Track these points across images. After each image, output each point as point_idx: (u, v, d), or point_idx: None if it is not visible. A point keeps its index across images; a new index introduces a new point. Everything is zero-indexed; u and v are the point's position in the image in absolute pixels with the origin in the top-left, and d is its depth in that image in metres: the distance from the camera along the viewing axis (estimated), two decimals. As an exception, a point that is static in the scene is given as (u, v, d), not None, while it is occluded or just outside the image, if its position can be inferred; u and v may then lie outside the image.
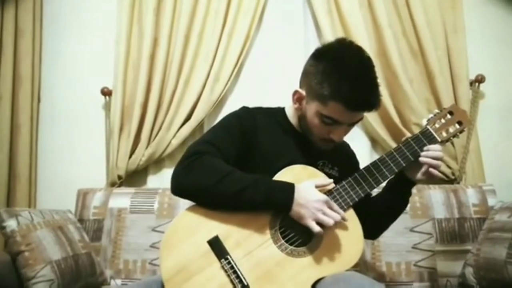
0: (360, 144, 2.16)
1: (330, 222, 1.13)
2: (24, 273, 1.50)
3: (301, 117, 1.32)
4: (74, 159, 2.32)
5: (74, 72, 2.38)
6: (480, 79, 2.18)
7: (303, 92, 1.27)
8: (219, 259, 1.14)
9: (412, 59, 2.19)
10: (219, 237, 1.16)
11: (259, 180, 1.17)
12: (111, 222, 1.95)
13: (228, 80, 2.21)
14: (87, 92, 2.34)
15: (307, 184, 1.18)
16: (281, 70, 2.26)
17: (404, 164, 1.25)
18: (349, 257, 1.18)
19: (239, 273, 1.12)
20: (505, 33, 2.30)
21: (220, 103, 2.26)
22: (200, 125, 2.24)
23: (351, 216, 1.21)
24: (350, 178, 1.24)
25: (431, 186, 1.95)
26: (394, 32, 2.17)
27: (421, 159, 1.24)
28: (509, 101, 2.26)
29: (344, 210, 1.20)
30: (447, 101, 2.08)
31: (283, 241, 1.18)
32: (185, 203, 1.24)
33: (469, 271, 1.73)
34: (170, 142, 2.19)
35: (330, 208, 1.16)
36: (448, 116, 1.31)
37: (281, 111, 1.42)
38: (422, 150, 1.25)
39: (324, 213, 1.14)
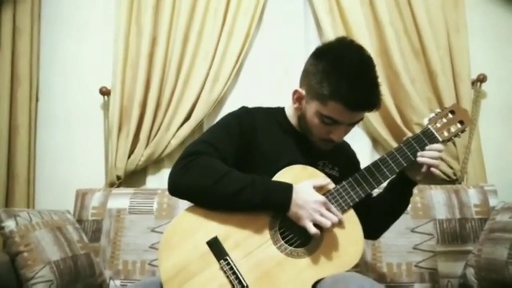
0: (361, 144, 2.15)
1: (327, 223, 1.13)
2: (23, 273, 1.50)
3: (301, 117, 1.31)
4: (72, 159, 2.32)
5: (72, 71, 2.38)
6: (482, 79, 2.17)
7: (303, 92, 1.26)
8: (218, 260, 1.13)
9: (413, 58, 2.18)
10: (218, 238, 1.15)
11: (257, 180, 1.16)
12: (110, 223, 1.94)
13: (228, 79, 2.20)
14: (86, 91, 2.34)
15: (305, 185, 1.17)
16: (281, 69, 2.25)
17: (405, 164, 1.24)
18: (349, 258, 1.18)
19: (238, 274, 1.12)
20: (508, 32, 2.29)
21: (219, 103, 2.25)
22: (200, 125, 2.23)
23: (352, 217, 1.21)
24: (350, 178, 1.23)
25: (432, 186, 1.94)
26: (395, 30, 2.16)
27: (419, 159, 1.23)
28: (510, 100, 2.25)
29: (345, 211, 1.20)
30: (449, 101, 2.07)
31: (282, 241, 1.17)
32: (185, 203, 1.24)
33: (470, 271, 1.72)
34: (169, 142, 2.18)
35: (328, 209, 1.15)
36: (450, 115, 1.30)
37: (280, 111, 1.41)
38: (423, 150, 1.24)
39: (322, 215, 1.14)
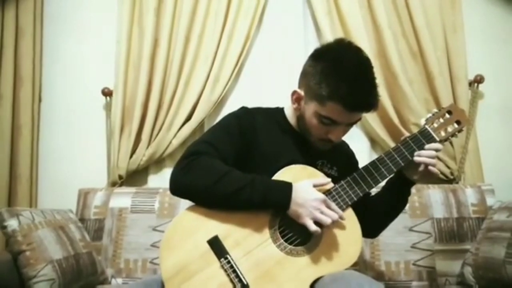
0: (359, 144, 2.17)
1: (328, 221, 1.14)
2: (25, 272, 1.51)
3: (300, 117, 1.32)
4: (75, 159, 2.33)
5: (75, 72, 2.39)
6: (479, 80, 2.19)
7: (302, 92, 1.27)
8: (219, 258, 1.14)
9: (411, 60, 2.20)
10: (218, 236, 1.16)
11: (257, 180, 1.17)
12: (112, 222, 1.95)
13: (228, 80, 2.22)
14: (88, 92, 2.35)
15: (305, 183, 1.18)
16: (281, 70, 2.27)
17: (402, 164, 1.25)
18: (348, 256, 1.19)
19: (238, 272, 1.13)
20: (505, 33, 2.31)
21: (220, 103, 2.26)
22: (201, 125, 2.25)
23: (350, 216, 1.22)
24: (349, 178, 1.24)
25: (430, 185, 1.95)
26: (393, 32, 2.18)
27: (416, 158, 1.24)
28: (508, 101, 2.26)
29: (343, 210, 1.20)
30: (446, 102, 2.08)
31: (282, 240, 1.18)
32: (186, 203, 1.25)
33: (468, 270, 1.73)
34: (170, 142, 2.20)
35: (328, 207, 1.16)
36: (447, 115, 1.31)
37: (280, 111, 1.42)
38: (420, 150, 1.25)
39: (322, 212, 1.15)
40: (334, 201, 1.20)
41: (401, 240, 1.84)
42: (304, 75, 1.28)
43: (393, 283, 1.80)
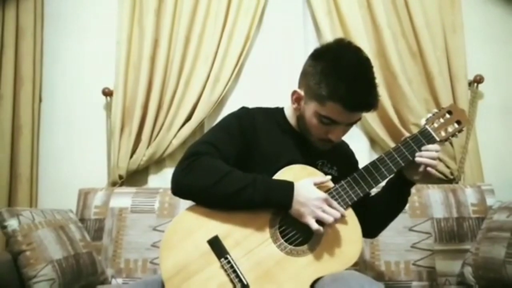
0: (359, 144, 2.17)
1: (330, 219, 1.14)
2: (25, 272, 1.51)
3: (300, 117, 1.32)
4: (75, 159, 2.33)
5: (75, 72, 2.39)
6: (479, 79, 2.19)
7: (302, 92, 1.27)
8: (219, 258, 1.14)
9: (411, 60, 2.20)
10: (218, 236, 1.17)
11: (258, 179, 1.18)
12: (112, 222, 1.96)
13: (228, 80, 2.23)
14: (88, 92, 2.35)
15: (306, 182, 1.18)
16: (281, 70, 2.27)
17: (403, 164, 1.25)
18: (348, 256, 1.19)
19: (238, 272, 1.13)
20: (504, 32, 2.31)
21: (220, 103, 2.27)
22: (201, 125, 2.25)
23: (350, 216, 1.22)
24: (349, 178, 1.24)
25: (430, 185, 1.96)
26: (393, 32, 2.18)
27: (417, 159, 1.24)
28: (507, 101, 2.27)
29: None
30: (446, 102, 2.09)
31: (282, 240, 1.18)
32: (186, 203, 1.25)
33: (468, 270, 1.73)
34: (170, 142, 2.20)
35: (330, 205, 1.16)
36: (447, 115, 1.31)
37: (280, 111, 1.42)
38: (421, 150, 1.25)
39: (324, 211, 1.15)
40: (334, 201, 1.20)
41: (401, 240, 1.84)
42: (304, 75, 1.28)
43: (393, 283, 1.80)
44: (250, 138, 1.30)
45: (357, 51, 1.23)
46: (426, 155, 1.24)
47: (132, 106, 2.22)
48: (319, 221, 1.15)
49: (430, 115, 1.32)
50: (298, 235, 1.20)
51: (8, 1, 2.26)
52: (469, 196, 1.91)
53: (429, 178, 1.29)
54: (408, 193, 1.38)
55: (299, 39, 2.30)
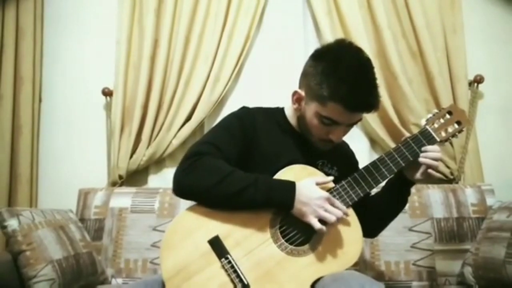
0: (359, 144, 2.17)
1: (332, 218, 1.14)
2: (25, 272, 1.51)
3: (300, 118, 1.32)
4: (75, 159, 2.33)
5: (75, 72, 2.39)
6: (479, 80, 2.19)
7: (302, 93, 1.27)
8: (220, 258, 1.14)
9: (411, 60, 2.20)
10: (219, 236, 1.17)
11: (260, 179, 1.18)
12: (112, 222, 1.96)
13: (228, 80, 2.23)
14: (88, 92, 2.36)
15: (307, 182, 1.19)
16: (281, 70, 2.27)
17: (403, 164, 1.25)
18: (348, 256, 1.19)
19: (239, 272, 1.13)
20: (504, 32, 2.31)
21: (220, 103, 2.27)
22: (201, 125, 2.25)
23: (351, 216, 1.22)
24: (349, 178, 1.24)
25: (429, 185, 1.96)
26: (393, 33, 2.18)
27: (420, 159, 1.24)
28: (507, 101, 2.27)
29: None
30: (446, 102, 2.09)
31: (283, 240, 1.19)
32: (186, 203, 1.25)
33: (468, 270, 1.73)
34: (170, 142, 2.21)
35: (332, 204, 1.17)
36: (447, 116, 1.31)
37: (280, 111, 1.42)
38: (421, 150, 1.25)
39: (326, 210, 1.15)
40: None
41: (401, 240, 1.84)
42: (305, 75, 1.28)
43: (393, 283, 1.80)
44: (250, 138, 1.30)
45: (358, 51, 1.23)
46: (429, 156, 1.24)
47: (132, 106, 2.22)
48: (322, 221, 1.15)
49: (430, 115, 1.32)
50: (299, 235, 1.20)
51: (8, 1, 2.26)
52: (469, 196, 1.91)
53: (429, 179, 1.29)
54: (408, 193, 1.38)
55: (299, 39, 2.30)
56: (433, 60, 2.14)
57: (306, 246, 1.19)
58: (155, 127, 2.21)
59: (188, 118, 2.22)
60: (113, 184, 2.20)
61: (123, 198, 2.00)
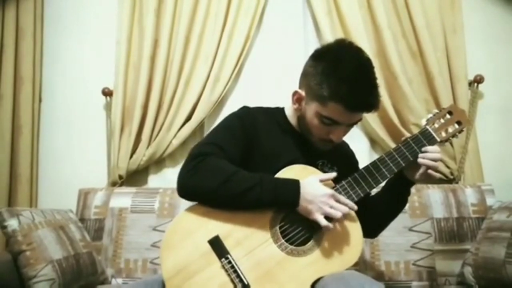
0: (359, 144, 2.17)
1: (338, 214, 1.14)
2: (25, 272, 1.51)
3: (301, 118, 1.32)
4: (75, 159, 2.33)
5: (75, 72, 2.39)
6: (479, 80, 2.19)
7: (303, 93, 1.27)
8: (220, 258, 1.14)
9: (411, 60, 2.20)
10: (219, 236, 1.17)
11: (265, 179, 1.18)
12: (112, 222, 1.96)
13: (228, 80, 2.23)
14: (88, 92, 2.36)
15: (311, 179, 1.19)
16: (281, 70, 2.27)
17: (403, 164, 1.25)
18: (348, 256, 1.19)
19: (239, 272, 1.13)
20: (504, 33, 2.31)
21: (220, 103, 2.27)
22: (201, 125, 2.26)
23: (351, 216, 1.22)
24: (349, 178, 1.24)
25: (429, 185, 1.96)
26: (393, 33, 2.18)
27: (419, 160, 1.24)
28: (507, 101, 2.27)
29: None
30: (446, 102, 2.09)
31: (283, 240, 1.19)
32: (186, 203, 1.24)
33: (468, 270, 1.73)
34: (170, 142, 2.21)
35: (337, 200, 1.17)
36: (447, 116, 1.31)
37: (280, 111, 1.42)
38: (421, 151, 1.25)
39: (331, 207, 1.15)
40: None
41: (401, 240, 1.84)
42: (305, 75, 1.28)
43: (393, 283, 1.80)
44: (251, 138, 1.30)
45: (358, 51, 1.23)
46: (428, 156, 1.24)
47: (132, 106, 2.22)
48: (328, 217, 1.15)
49: (430, 115, 1.32)
50: (299, 235, 1.20)
51: (8, 1, 2.26)
52: (469, 196, 1.91)
53: (429, 179, 1.29)
54: (408, 193, 1.38)
55: (299, 39, 2.31)
56: (433, 60, 2.14)
57: (307, 246, 1.19)
58: (155, 127, 2.21)
59: (188, 118, 2.22)
60: (113, 184, 2.20)
61: (123, 198, 2.00)
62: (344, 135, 1.30)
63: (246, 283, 1.12)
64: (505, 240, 1.57)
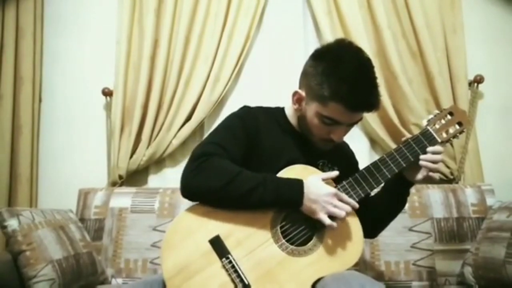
0: (359, 144, 2.17)
1: (342, 213, 1.14)
2: (25, 272, 1.51)
3: (301, 118, 1.32)
4: (75, 159, 2.33)
5: (75, 72, 2.39)
6: (479, 80, 2.19)
7: (303, 93, 1.27)
8: (220, 258, 1.14)
9: (411, 60, 2.20)
10: (220, 236, 1.17)
11: (268, 179, 1.18)
12: (112, 222, 1.96)
13: (228, 80, 2.23)
14: (88, 92, 2.36)
15: (314, 179, 1.19)
16: (281, 70, 2.27)
17: (404, 165, 1.25)
18: (349, 256, 1.19)
19: (240, 272, 1.13)
20: (504, 33, 2.31)
21: (220, 103, 2.27)
22: (201, 125, 2.25)
23: (351, 216, 1.22)
24: (350, 178, 1.24)
25: (429, 185, 1.96)
26: (393, 33, 2.18)
27: (421, 162, 1.24)
28: (507, 101, 2.27)
29: None
30: (446, 102, 2.09)
31: (283, 240, 1.19)
32: (186, 202, 1.25)
33: (468, 270, 1.73)
34: (170, 142, 2.21)
35: (341, 199, 1.17)
36: (448, 117, 1.31)
37: (280, 111, 1.42)
38: (422, 151, 1.25)
39: (335, 206, 1.15)
40: None
41: (401, 240, 1.84)
42: (305, 75, 1.28)
43: (393, 283, 1.80)
44: (252, 138, 1.30)
45: (358, 51, 1.23)
46: (429, 158, 1.24)
47: (132, 106, 2.22)
48: (331, 216, 1.15)
49: (431, 116, 1.32)
50: (300, 235, 1.20)
51: (8, 1, 2.26)
52: (469, 196, 1.91)
53: (430, 181, 1.29)
54: (407, 194, 1.38)
55: (299, 39, 2.31)
56: (433, 60, 2.14)
57: (307, 246, 1.19)
58: (155, 127, 2.21)
59: (188, 118, 2.22)
60: (113, 184, 2.20)
61: (123, 198, 2.00)
62: (344, 134, 1.30)
63: (246, 283, 1.12)
64: (505, 240, 1.57)
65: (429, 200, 1.90)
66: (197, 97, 2.20)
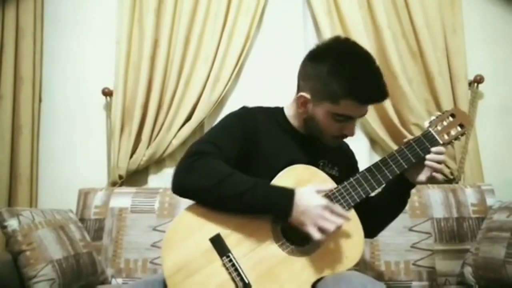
0: (359, 145, 2.16)
1: (331, 228, 1.10)
2: (25, 272, 1.51)
3: (308, 119, 1.30)
4: (75, 159, 2.33)
5: (75, 72, 2.39)
6: (479, 80, 2.19)
7: (308, 96, 1.26)
8: (221, 256, 1.14)
9: (411, 60, 2.20)
10: (220, 235, 1.16)
11: (259, 185, 1.16)
12: (112, 222, 1.96)
13: (228, 80, 2.23)
14: (88, 92, 2.36)
15: (308, 189, 1.16)
16: (281, 70, 2.27)
17: (405, 166, 1.25)
18: (349, 257, 1.19)
19: (240, 271, 1.13)
20: (504, 32, 2.31)
21: (220, 103, 2.27)
22: (201, 125, 2.26)
23: (352, 217, 1.21)
24: (352, 179, 1.23)
25: (430, 185, 1.95)
26: (393, 33, 2.19)
27: (427, 163, 1.24)
28: (507, 101, 2.27)
29: (346, 211, 1.19)
30: (446, 102, 2.10)
31: (284, 240, 1.18)
32: (186, 202, 1.24)
33: (468, 270, 1.73)
34: (170, 142, 2.21)
35: (332, 211, 1.13)
36: (450, 118, 1.31)
37: (280, 111, 1.41)
38: (424, 153, 1.25)
39: (325, 219, 1.12)
40: (337, 202, 1.19)
41: (401, 240, 1.84)
42: (307, 78, 1.27)
43: (393, 283, 1.80)
44: (251, 138, 1.29)
45: (355, 45, 1.25)
46: (434, 158, 1.24)
47: (132, 106, 2.22)
48: (322, 229, 1.12)
49: (433, 117, 1.32)
50: (300, 235, 1.19)
51: (8, 1, 2.26)
52: (469, 196, 1.91)
53: (433, 182, 1.29)
54: (408, 195, 1.38)
55: (299, 39, 2.31)
56: (433, 60, 2.14)
57: (308, 246, 1.18)
58: (155, 127, 2.22)
59: (188, 118, 2.22)
60: (113, 184, 2.20)
61: (123, 198, 2.00)
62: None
63: (247, 282, 1.12)
64: (505, 240, 1.57)
65: (429, 200, 1.90)
66: (197, 97, 2.20)
